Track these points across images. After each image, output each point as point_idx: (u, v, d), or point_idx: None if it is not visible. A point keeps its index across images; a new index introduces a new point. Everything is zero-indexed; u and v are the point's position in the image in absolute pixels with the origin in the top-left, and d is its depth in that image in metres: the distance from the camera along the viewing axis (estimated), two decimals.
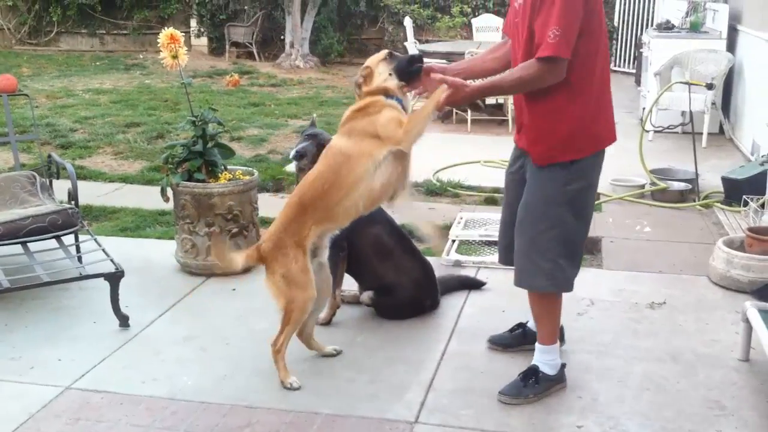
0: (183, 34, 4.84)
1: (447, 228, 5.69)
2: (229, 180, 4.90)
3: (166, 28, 4.81)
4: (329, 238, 3.70)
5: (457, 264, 5.04)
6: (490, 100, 9.83)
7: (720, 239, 4.93)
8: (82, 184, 5.52)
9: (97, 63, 14.69)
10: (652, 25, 11.68)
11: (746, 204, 5.74)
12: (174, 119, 9.36)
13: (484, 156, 7.67)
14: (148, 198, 6.26)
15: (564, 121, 3.27)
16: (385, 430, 3.26)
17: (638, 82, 10.97)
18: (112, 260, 4.30)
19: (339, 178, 3.45)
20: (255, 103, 10.87)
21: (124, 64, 14.46)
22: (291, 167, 7.49)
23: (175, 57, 4.69)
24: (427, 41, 13.78)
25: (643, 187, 6.67)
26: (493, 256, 5.13)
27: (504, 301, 4.47)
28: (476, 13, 14.28)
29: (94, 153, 8.11)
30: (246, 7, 15.45)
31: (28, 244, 4.43)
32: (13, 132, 5.44)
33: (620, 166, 6.94)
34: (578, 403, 3.47)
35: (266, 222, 5.64)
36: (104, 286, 4.17)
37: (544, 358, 3.54)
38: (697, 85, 7.54)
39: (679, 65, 8.87)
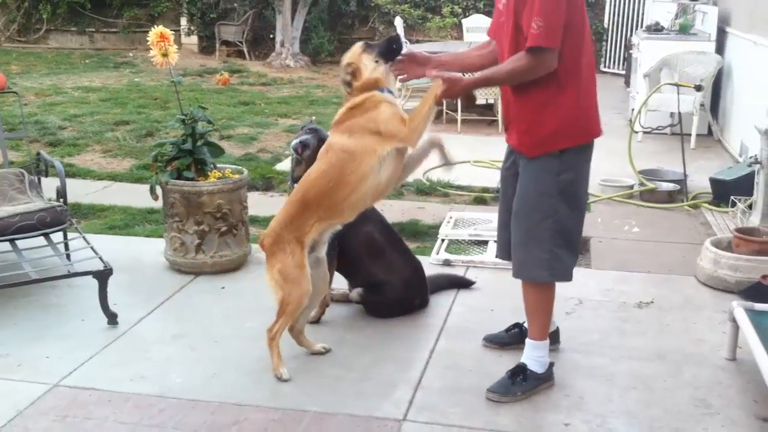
0: (173, 32, 4.83)
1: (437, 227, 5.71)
2: (219, 178, 4.90)
3: (156, 26, 4.79)
4: (330, 234, 3.73)
5: (447, 263, 5.05)
6: (480, 100, 9.87)
7: (708, 239, 4.95)
8: (70, 182, 5.50)
9: (87, 61, 14.64)
10: (641, 27, 11.71)
11: (734, 205, 5.78)
12: (163, 117, 9.33)
13: (474, 156, 7.68)
14: (137, 196, 6.25)
15: (553, 114, 3.32)
16: (374, 428, 3.27)
17: (627, 84, 11.02)
18: (100, 258, 4.29)
19: (344, 176, 3.50)
20: (245, 102, 10.86)
21: (113, 62, 14.41)
22: (281, 165, 7.51)
23: (165, 55, 4.68)
24: (417, 41, 13.79)
25: (631, 187, 6.70)
26: (483, 256, 5.15)
27: (493, 300, 4.48)
28: (467, 14, 14.31)
29: (83, 151, 8.08)
30: (236, 6, 15.43)
31: (16, 241, 4.41)
32: (2, 129, 5.41)
33: (609, 166, 6.98)
34: (566, 402, 3.48)
35: (256, 220, 5.66)
36: (93, 283, 4.16)
37: (533, 354, 3.56)
38: (685, 86, 7.58)
39: (668, 67, 8.91)
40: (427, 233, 5.73)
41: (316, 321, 4.19)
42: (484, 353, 3.91)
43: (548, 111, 3.32)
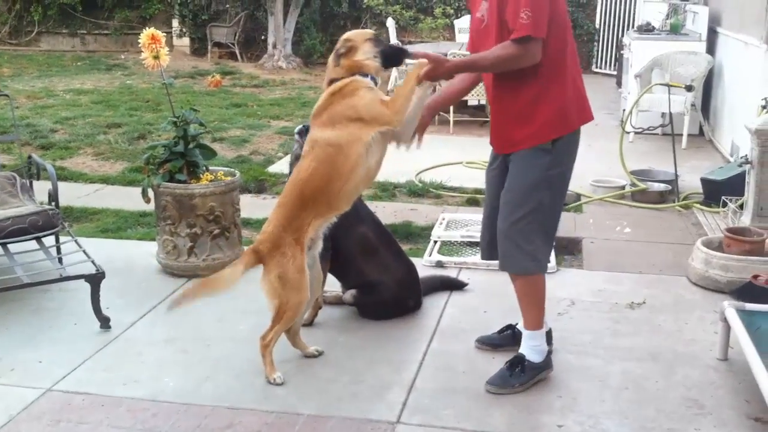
0: (165, 34, 4.83)
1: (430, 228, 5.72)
2: (211, 181, 4.89)
3: (147, 28, 4.79)
4: (325, 229, 3.72)
5: (439, 264, 5.06)
6: (473, 101, 9.88)
7: (699, 240, 4.96)
8: (62, 185, 5.49)
9: (78, 63, 14.61)
10: (632, 27, 11.75)
11: (725, 205, 5.80)
12: (155, 120, 9.32)
13: (466, 157, 7.70)
14: (130, 199, 6.23)
15: (544, 105, 3.37)
16: (367, 431, 3.27)
17: (619, 84, 11.05)
18: (93, 261, 4.28)
19: (336, 169, 3.52)
20: (237, 104, 10.84)
21: (105, 65, 14.38)
22: (274, 168, 7.51)
23: (156, 57, 4.67)
24: (409, 42, 13.81)
25: (623, 188, 6.72)
26: (475, 257, 5.15)
27: (485, 301, 4.49)
28: (459, 15, 14.33)
29: (74, 154, 8.06)
30: (228, 7, 15.42)
31: (8, 245, 4.39)
32: None
33: (600, 167, 7.01)
34: (558, 403, 3.49)
35: (248, 223, 5.65)
36: (85, 287, 4.15)
37: (530, 344, 3.60)
38: (676, 86, 7.61)
39: (660, 67, 8.94)
40: (419, 235, 5.74)
41: (309, 323, 4.18)
42: (476, 355, 3.92)
43: (540, 103, 3.38)
